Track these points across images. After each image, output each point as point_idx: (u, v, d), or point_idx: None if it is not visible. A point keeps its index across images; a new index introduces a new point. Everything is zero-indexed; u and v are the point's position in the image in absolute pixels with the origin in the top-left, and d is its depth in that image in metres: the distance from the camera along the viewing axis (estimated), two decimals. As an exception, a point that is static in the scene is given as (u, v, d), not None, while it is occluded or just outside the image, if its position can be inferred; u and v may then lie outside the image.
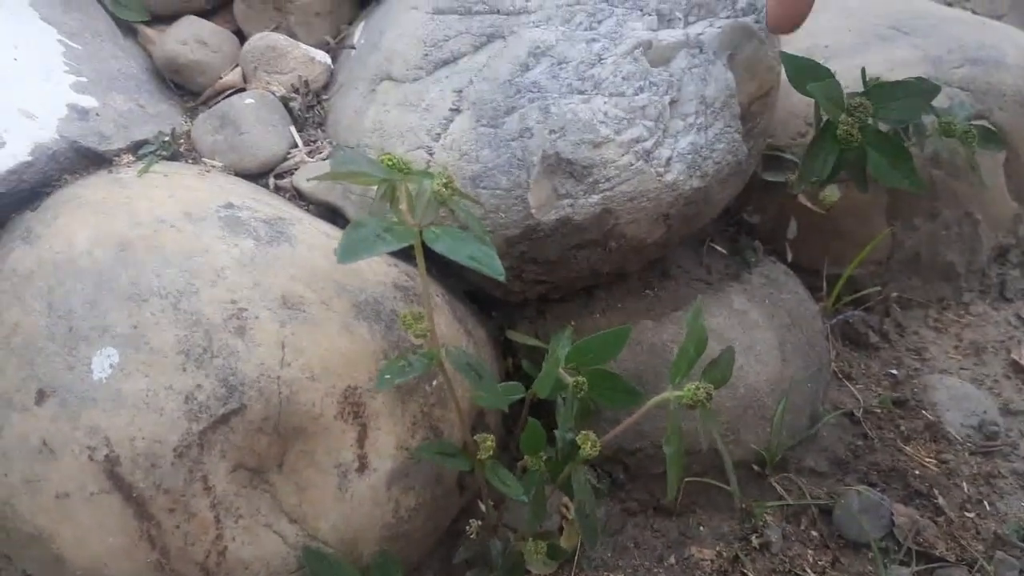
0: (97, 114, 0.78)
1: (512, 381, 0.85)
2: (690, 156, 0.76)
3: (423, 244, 0.58)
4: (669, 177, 0.75)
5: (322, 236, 0.74)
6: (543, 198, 0.75)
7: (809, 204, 0.93)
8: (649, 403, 0.62)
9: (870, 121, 0.77)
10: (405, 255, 0.78)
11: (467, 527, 0.70)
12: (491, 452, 0.64)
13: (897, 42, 1.04)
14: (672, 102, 0.77)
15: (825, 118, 0.79)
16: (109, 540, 0.60)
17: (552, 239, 0.76)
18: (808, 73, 0.76)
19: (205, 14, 0.95)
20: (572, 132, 0.73)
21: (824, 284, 1.02)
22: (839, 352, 1.00)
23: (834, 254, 1.02)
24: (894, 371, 0.99)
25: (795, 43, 1.07)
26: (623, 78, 0.75)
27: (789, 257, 0.99)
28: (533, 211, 0.74)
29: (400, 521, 0.70)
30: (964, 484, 0.88)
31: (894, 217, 1.01)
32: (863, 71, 0.83)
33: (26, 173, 0.72)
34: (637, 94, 0.75)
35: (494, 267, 0.58)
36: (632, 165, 0.74)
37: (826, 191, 0.92)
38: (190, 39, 0.88)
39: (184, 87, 0.91)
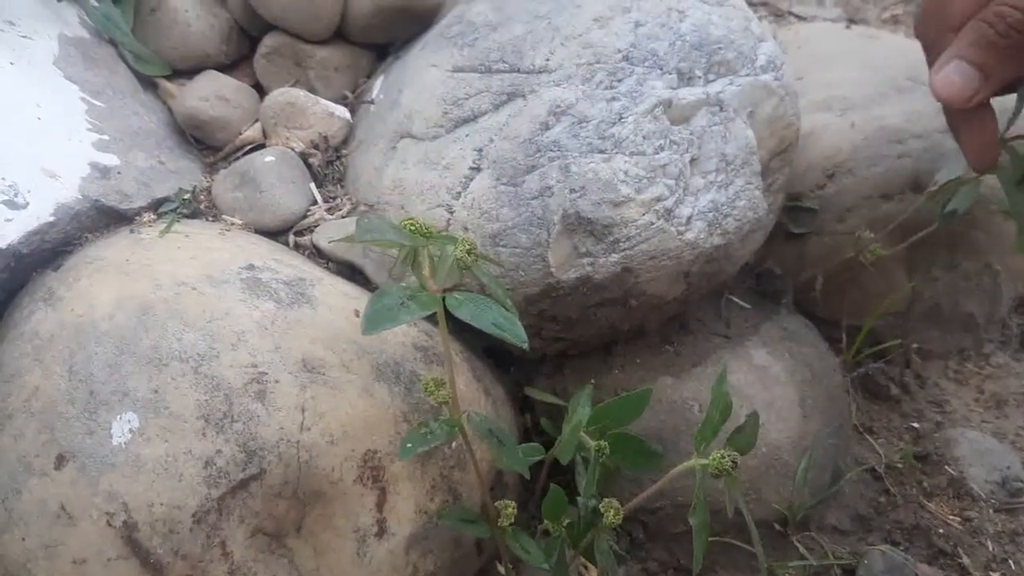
0: (119, 172, 0.79)
1: (530, 437, 0.85)
2: (711, 214, 0.76)
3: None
4: (690, 235, 0.75)
5: (342, 296, 0.73)
6: (563, 257, 0.74)
7: (864, 260, 0.92)
8: (674, 471, 0.61)
9: None
10: (424, 313, 0.78)
11: (487, 592, 0.70)
12: (512, 519, 0.64)
13: (915, 93, 1.04)
14: (692, 160, 0.77)
15: None
16: (126, 607, 0.60)
17: (572, 297, 0.76)
18: None
19: (224, 68, 0.96)
20: (593, 191, 0.73)
21: (844, 336, 1.01)
22: (860, 405, 0.99)
23: (853, 306, 1.01)
24: (916, 424, 0.98)
25: (812, 94, 1.08)
26: (643, 137, 0.75)
27: (820, 309, 0.98)
28: (553, 270, 0.74)
29: (419, 585, 0.69)
30: (988, 542, 0.86)
31: (914, 269, 1.01)
32: None
33: (48, 233, 0.72)
34: (657, 153, 0.75)
35: (517, 334, 0.58)
36: (653, 224, 0.74)
37: (871, 247, 0.92)
38: (211, 95, 0.89)
39: (204, 142, 0.92)
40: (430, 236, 0.60)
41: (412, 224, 0.60)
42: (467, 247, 0.58)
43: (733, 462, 0.59)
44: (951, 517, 0.89)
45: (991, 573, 0.84)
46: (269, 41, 0.94)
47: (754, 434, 0.63)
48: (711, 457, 0.59)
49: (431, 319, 0.60)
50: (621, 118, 0.75)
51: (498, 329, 0.57)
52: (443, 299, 0.58)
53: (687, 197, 0.76)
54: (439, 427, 0.60)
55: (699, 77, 0.79)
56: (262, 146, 0.89)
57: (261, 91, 0.96)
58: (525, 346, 0.57)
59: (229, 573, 0.61)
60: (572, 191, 0.73)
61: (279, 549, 0.64)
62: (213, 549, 0.61)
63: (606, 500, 0.62)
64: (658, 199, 0.74)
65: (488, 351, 0.86)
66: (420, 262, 0.60)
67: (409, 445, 0.59)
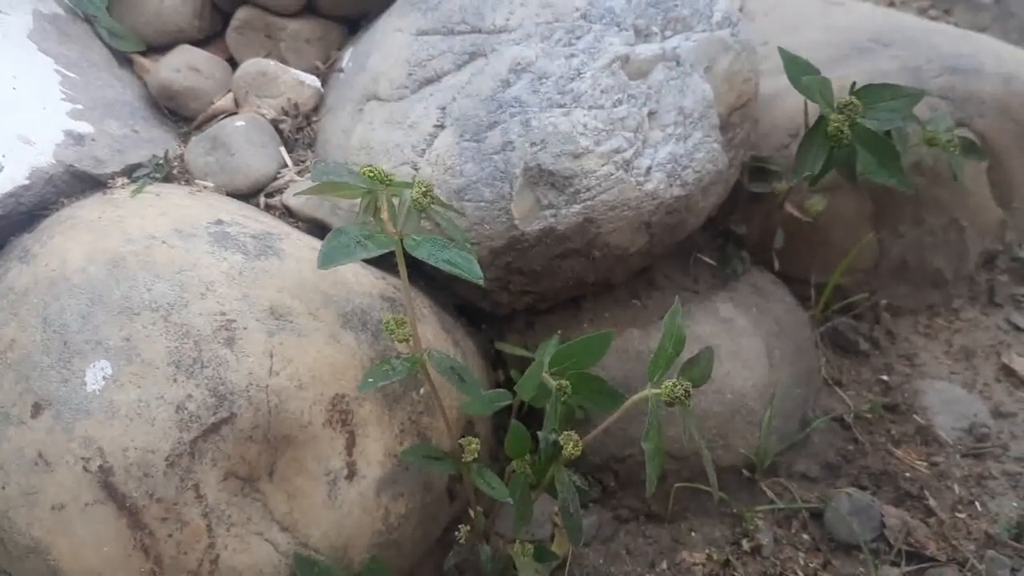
0: (93, 139, 0.81)
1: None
2: (669, 165, 0.78)
3: (405, 253, 0.60)
4: (649, 186, 0.77)
5: (309, 250, 0.75)
6: (526, 209, 0.76)
7: (795, 212, 0.94)
8: (628, 402, 0.63)
9: (859, 120, 0.78)
10: (392, 268, 0.80)
11: (456, 532, 0.71)
12: (476, 455, 0.65)
13: (877, 54, 1.06)
14: (651, 113, 0.78)
15: (817, 116, 0.81)
16: (104, 550, 0.61)
17: (536, 249, 0.78)
18: (802, 70, 0.79)
19: (198, 43, 0.98)
20: (553, 144, 0.75)
21: (813, 293, 1.03)
22: (829, 359, 1.01)
23: (821, 263, 1.03)
24: (885, 377, 1.00)
25: (777, 58, 1.09)
26: (602, 91, 0.77)
27: (776, 266, 1.00)
28: (517, 222, 0.76)
29: (390, 528, 0.71)
30: (955, 485, 0.88)
31: (880, 225, 1.02)
32: (853, 84, 0.84)
33: (24, 196, 0.74)
34: (616, 106, 0.77)
35: (472, 271, 0.59)
36: (612, 175, 0.76)
37: (812, 200, 0.94)
38: (183, 67, 0.91)
39: (178, 113, 0.94)
40: (388, 183, 0.62)
41: (371, 171, 0.61)
42: (423, 189, 0.60)
43: (685, 391, 0.60)
44: (918, 462, 0.90)
45: (957, 514, 0.86)
46: (241, 14, 0.96)
47: (708, 366, 0.64)
48: (663, 386, 0.61)
49: (399, 272, 0.61)
50: (580, 74, 0.77)
51: (452, 266, 0.59)
52: (400, 240, 0.60)
53: (646, 149, 0.78)
54: (400, 363, 0.62)
55: (656, 33, 0.80)
56: (234, 115, 0.91)
57: (235, 65, 0.98)
58: (480, 282, 0.59)
59: (203, 516, 0.63)
60: (533, 144, 0.75)
61: (252, 492, 0.66)
62: (187, 492, 0.62)
63: (565, 433, 0.64)
64: (617, 151, 0.76)
65: (460, 309, 0.88)
66: (379, 208, 0.62)
67: (370, 380, 0.61)
